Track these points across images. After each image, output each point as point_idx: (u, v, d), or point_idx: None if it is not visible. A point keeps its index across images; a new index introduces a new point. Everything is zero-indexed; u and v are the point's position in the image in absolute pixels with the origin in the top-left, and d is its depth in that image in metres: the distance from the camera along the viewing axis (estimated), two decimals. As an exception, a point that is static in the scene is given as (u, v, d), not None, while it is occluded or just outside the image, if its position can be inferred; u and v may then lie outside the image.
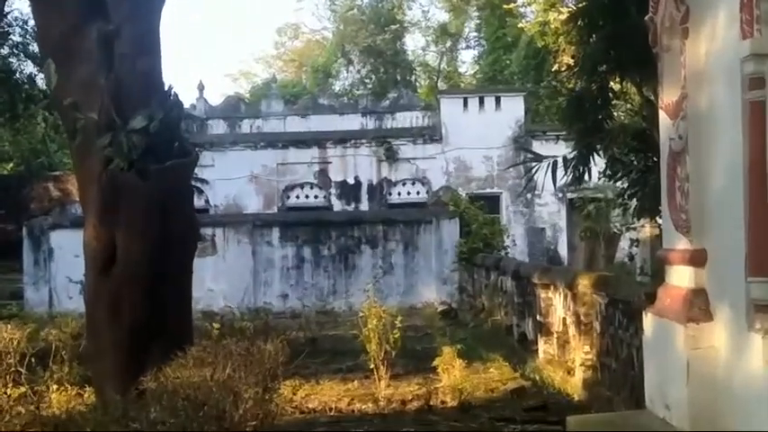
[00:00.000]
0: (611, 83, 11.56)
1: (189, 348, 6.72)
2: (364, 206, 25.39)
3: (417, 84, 42.88)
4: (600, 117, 11.26)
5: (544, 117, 29.17)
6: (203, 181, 24.42)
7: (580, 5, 11.78)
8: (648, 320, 5.58)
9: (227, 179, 24.79)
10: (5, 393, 7.72)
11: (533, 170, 12.48)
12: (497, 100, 25.49)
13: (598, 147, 11.46)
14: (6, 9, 23.47)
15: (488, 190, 24.98)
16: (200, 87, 28.04)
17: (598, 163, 11.87)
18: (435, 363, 9.80)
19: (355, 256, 19.90)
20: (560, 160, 11.79)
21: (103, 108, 7.94)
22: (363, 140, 25.81)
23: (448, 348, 10.01)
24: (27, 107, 23.95)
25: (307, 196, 25.92)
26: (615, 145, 11.37)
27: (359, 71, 42.63)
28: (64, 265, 18.70)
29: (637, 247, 18.98)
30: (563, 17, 15.86)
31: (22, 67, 25.53)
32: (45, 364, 9.03)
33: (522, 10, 32.24)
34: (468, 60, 56.40)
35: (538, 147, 21.28)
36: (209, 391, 5.80)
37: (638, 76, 10.77)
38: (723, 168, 4.69)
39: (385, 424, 8.38)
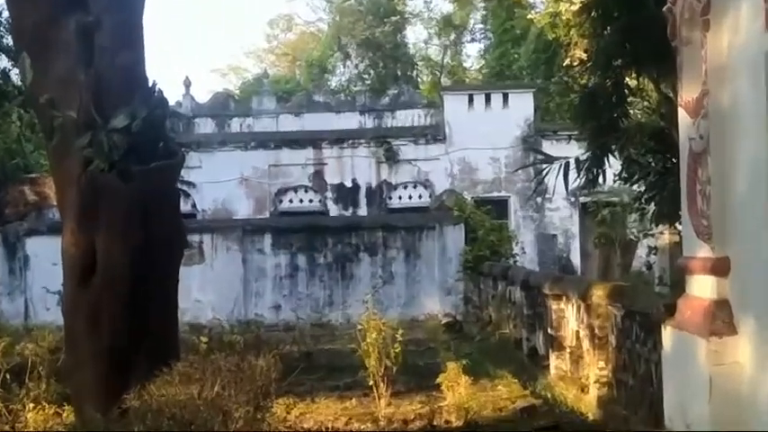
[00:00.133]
0: (627, 78, 11.56)
1: (175, 364, 6.72)
2: (362, 211, 25.38)
3: (419, 79, 42.91)
4: (615, 115, 11.27)
5: (555, 115, 29.17)
6: (190, 184, 24.41)
7: (594, -5, 11.78)
8: (668, 334, 5.58)
9: (216, 182, 24.78)
10: (-22, 412, 7.70)
11: (544, 172, 12.49)
12: (505, 97, 25.50)
13: (613, 147, 11.46)
14: (-21, 0, 23.48)
15: (495, 194, 24.97)
16: (187, 83, 28.05)
17: (613, 165, 11.86)
18: (439, 379, 9.78)
19: (353, 264, 19.87)
20: (572, 162, 11.79)
21: (82, 105, 7.95)
22: (361, 140, 25.81)
23: (452, 364, 9.99)
24: (1, 105, 23.95)
25: (301, 200, 25.92)
26: (631, 145, 11.37)
27: (356, 66, 42.66)
28: (40, 274, 18.67)
29: (655, 254, 18.98)
30: (575, 8, 15.87)
31: (-6, 61, 25.55)
32: (21, 381, 9.01)
33: (531, 0, 32.34)
34: (473, 54, 56.34)
35: (548, 147, 21.26)
36: (197, 410, 5.80)
37: (655, 72, 10.78)
38: (747, 170, 4.68)
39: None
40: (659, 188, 11.24)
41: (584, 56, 12.49)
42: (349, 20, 41.39)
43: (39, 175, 28.85)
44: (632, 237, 20.81)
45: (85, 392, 7.75)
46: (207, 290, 18.92)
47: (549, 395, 10.30)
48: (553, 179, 12.00)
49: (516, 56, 35.07)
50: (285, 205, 25.83)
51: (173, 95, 28.43)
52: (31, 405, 8.23)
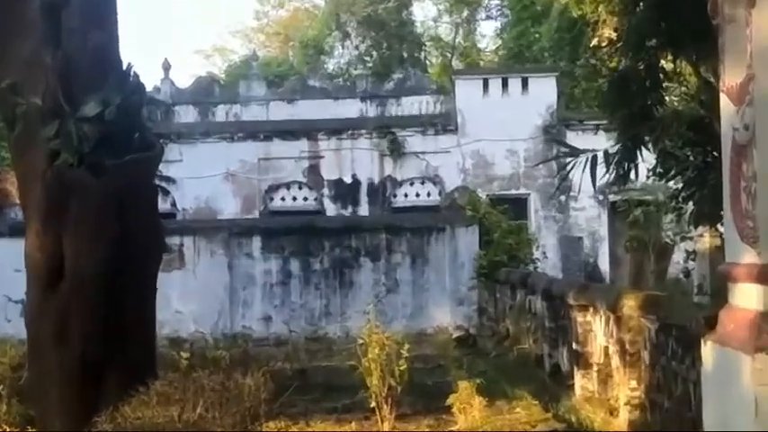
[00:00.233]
0: (662, 61, 11.56)
1: (152, 382, 6.74)
2: (363, 210, 25.40)
3: (427, 62, 42.90)
4: (648, 102, 11.28)
5: (581, 102, 29.17)
6: (169, 179, 24.44)
7: (625, -32, 11.81)
8: (708, 350, 5.57)
9: (198, 177, 24.81)
10: (-69, 436, 7.72)
11: (568, 167, 12.48)
12: (524, 82, 25.51)
13: (646, 138, 11.47)
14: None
15: (513, 191, 24.99)
16: (166, 66, 28.07)
17: (646, 158, 11.86)
18: (450, 401, 9.79)
19: (353, 270, 19.87)
20: (601, 155, 11.79)
21: (49, 91, 7.98)
22: (362, 131, 25.83)
23: (465, 383, 10.00)
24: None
25: (294, 198, 25.94)
26: (667, 136, 11.38)
27: (357, 47, 42.65)
28: (1, 282, 18.69)
29: (694, 260, 18.96)
30: (604, -18, 15.86)
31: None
32: (-22, 401, 9.02)
33: (554, -27, 32.31)
34: (488, 34, 56.60)
35: (573, 138, 21.25)
36: (177, 434, 5.81)
37: (694, 53, 10.79)
38: (798, 165, 4.68)
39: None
40: (698, 185, 11.24)
41: (613, 35, 12.48)
42: (348, -5, 41.40)
43: (-1, 169, 28.93)
44: (668, 240, 20.80)
45: (52, 414, 7.78)
46: (188, 299, 18.93)
47: (573, 419, 10.28)
48: (579, 175, 12.01)
49: (537, 35, 35.03)
50: (276, 204, 25.85)
51: (150, 80, 28.43)
52: (-9, 429, 8.23)
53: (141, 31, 64.68)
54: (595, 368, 10.34)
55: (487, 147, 25.10)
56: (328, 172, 25.77)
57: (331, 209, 25.52)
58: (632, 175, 11.94)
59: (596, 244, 25.05)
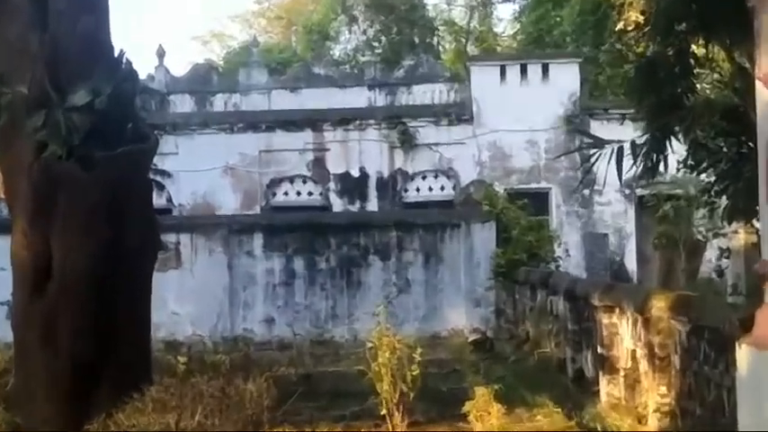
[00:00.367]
0: (693, 46, 11.54)
1: (147, 388, 6.75)
2: (372, 206, 25.40)
3: (440, 48, 42.89)
4: (678, 90, 11.27)
5: (605, 90, 29.11)
6: (164, 173, 24.49)
7: (652, -55, 11.78)
8: (744, 353, 5.56)
9: (196, 171, 24.84)
10: None
11: (592, 159, 12.47)
12: (544, 69, 25.47)
13: (676, 128, 11.46)
14: None
15: (533, 185, 24.96)
16: (161, 53, 28.14)
17: (676, 149, 11.85)
18: (466, 408, 9.79)
19: (361, 270, 19.88)
20: (627, 146, 11.77)
21: (35, 79, 8.00)
22: (371, 121, 25.83)
23: (482, 389, 9.99)
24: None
25: (298, 193, 25.96)
26: (698, 126, 11.36)
27: (364, 32, 42.66)
28: (-15, 282, 18.77)
29: (727, 258, 18.94)
30: (630, -40, 15.83)
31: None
32: (-39, 410, 9.05)
33: (576, -48, 32.27)
34: (506, 17, 56.34)
35: (598, 128, 21.22)
36: (174, 444, 5.82)
37: (727, 38, 10.76)
38: (841, 154, 4.66)
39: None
40: (733, 178, 11.22)
41: (640, 18, 12.44)
42: (356, -25, 41.45)
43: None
44: (700, 237, 20.78)
45: (39, 422, 7.81)
46: (185, 300, 18.97)
47: (598, 427, 10.27)
48: (604, 167, 12.00)
49: (558, 19, 35.00)
50: (279, 199, 25.87)
51: (143, 67, 28.50)
52: (-25, 438, 8.26)
53: (134, 16, 64.88)
54: (622, 373, 10.34)
55: (505, 138, 25.06)
56: (334, 165, 25.77)
57: (337, 204, 25.53)
58: (661, 168, 11.93)
59: (623, 241, 25.00)
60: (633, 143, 11.76)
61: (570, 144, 23.05)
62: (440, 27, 44.36)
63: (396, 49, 39.20)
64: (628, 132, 14.47)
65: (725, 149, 11.53)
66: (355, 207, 25.34)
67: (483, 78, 25.55)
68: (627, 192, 24.25)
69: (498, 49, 41.48)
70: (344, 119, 25.80)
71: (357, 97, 27.07)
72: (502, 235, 19.91)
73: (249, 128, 25.86)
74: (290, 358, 15.48)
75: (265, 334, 19.20)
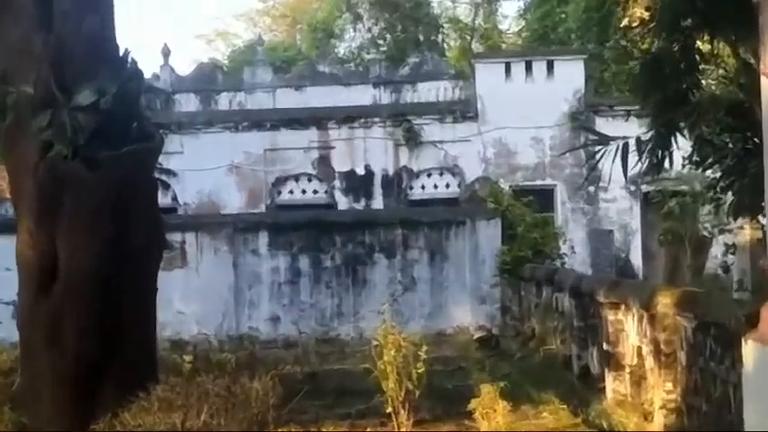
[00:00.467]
0: (698, 42, 11.52)
1: (153, 387, 6.76)
2: (378, 203, 25.41)
3: (445, 45, 42.88)
4: (684, 86, 11.26)
5: (610, 87, 29.10)
6: (170, 172, 24.53)
7: (657, -59, 11.76)
8: (750, 349, 5.55)
9: (201, 170, 24.87)
10: None
11: (597, 156, 12.46)
12: (549, 65, 25.45)
13: (681, 125, 11.44)
14: None
15: (539, 182, 24.96)
16: (166, 52, 28.15)
17: (681, 146, 11.83)
18: (471, 405, 9.79)
19: (366, 267, 19.89)
20: (632, 142, 11.76)
21: (40, 79, 8.00)
22: (376, 119, 25.83)
23: (487, 387, 9.99)
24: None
25: (303, 191, 25.98)
26: (704, 122, 11.35)
27: (369, 29, 42.66)
28: (-9, 282, 18.80)
29: (733, 254, 18.92)
30: (634, -44, 15.81)
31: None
32: (-32, 409, 9.07)
33: (581, -52, 32.23)
34: (511, 14, 56.33)
35: (603, 125, 21.20)
36: (179, 443, 5.83)
37: (732, 33, 10.75)
38: None
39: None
40: (738, 174, 11.20)
41: (645, 14, 12.43)
42: (360, -27, 41.44)
43: (-11, 162, 29.12)
44: (705, 233, 20.74)
45: (45, 422, 7.82)
46: (191, 299, 19.00)
47: (604, 424, 10.28)
48: (609, 164, 11.99)
49: (563, 16, 34.96)
50: (284, 197, 25.90)
51: (148, 67, 28.47)
52: (-18, 438, 8.28)
53: (139, 15, 64.95)
54: (628, 370, 10.33)
55: (510, 135, 25.05)
56: (339, 163, 25.78)
57: (342, 202, 25.54)
58: (666, 164, 11.93)
59: (628, 237, 24.99)
60: (638, 139, 11.75)
61: (575, 141, 23.01)
62: (444, 24, 44.34)
63: (400, 46, 39.19)
64: (633, 129, 14.46)
65: (730, 145, 11.51)
66: (360, 205, 25.36)
67: (488, 75, 25.54)
68: (632, 188, 24.24)
69: (503, 46, 41.48)
70: (349, 117, 25.80)
71: (362, 95, 27.07)
72: (507, 232, 19.91)
73: (254, 126, 25.89)
74: (295, 356, 15.48)
75: (271, 332, 19.21)
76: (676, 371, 8.84)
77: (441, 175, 25.81)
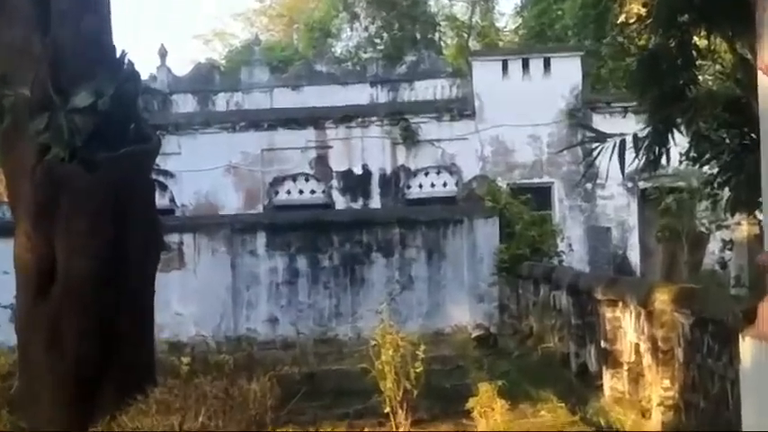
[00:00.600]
0: (695, 37, 11.54)
1: (151, 390, 6.76)
2: (375, 203, 25.42)
3: (442, 44, 42.87)
4: (681, 82, 11.27)
5: (607, 84, 29.10)
6: (167, 173, 24.51)
7: (653, -63, 11.77)
8: (747, 345, 5.56)
9: (198, 170, 24.87)
10: None
11: (595, 153, 12.47)
12: (546, 63, 25.45)
13: (678, 121, 11.46)
14: None
15: (536, 179, 24.96)
16: (163, 53, 28.13)
17: (679, 142, 11.85)
18: (470, 404, 9.79)
19: (364, 267, 19.90)
20: (629, 139, 11.77)
21: (38, 81, 8.00)
22: (373, 118, 25.83)
23: (486, 385, 10.00)
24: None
25: (301, 191, 25.98)
26: (701, 118, 11.36)
27: (366, 28, 42.64)
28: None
29: (731, 250, 18.93)
30: (630, -47, 15.82)
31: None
32: (-34, 413, 9.07)
33: (577, -55, 32.23)
34: (507, 12, 56.51)
35: (600, 122, 21.26)
36: (178, 445, 5.84)
37: (729, 29, 10.76)
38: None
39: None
40: (735, 170, 11.22)
41: (642, 11, 12.43)
42: (357, -28, 41.42)
43: (-14, 165, 29.09)
44: (703, 229, 20.77)
45: (44, 425, 7.82)
46: (189, 301, 19.00)
47: (602, 421, 10.28)
48: (606, 161, 12.01)
49: (560, 13, 34.97)
50: (282, 198, 25.89)
51: (145, 67, 28.51)
52: (-20, 441, 8.28)
53: (136, 16, 64.89)
54: (626, 367, 10.34)
55: (507, 133, 25.04)
56: (337, 162, 25.78)
57: (340, 202, 25.54)
58: (663, 161, 11.94)
59: (625, 234, 25.00)
60: (635, 136, 11.76)
61: (572, 138, 23.01)
62: (441, 23, 44.33)
63: (397, 45, 39.17)
64: (630, 125, 14.48)
65: (727, 141, 11.53)
66: (358, 204, 25.36)
67: (485, 73, 25.54)
68: (629, 185, 24.23)
69: (500, 43, 41.44)
70: (347, 116, 25.80)
71: (359, 94, 27.05)
72: (505, 230, 19.92)
73: (251, 126, 25.89)
74: (293, 357, 15.48)
75: (269, 333, 19.22)
76: (674, 368, 8.85)
77: (438, 173, 25.81)
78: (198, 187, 25.34)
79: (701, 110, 11.23)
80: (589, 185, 24.08)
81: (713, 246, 20.63)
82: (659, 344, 9.16)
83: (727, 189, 11.95)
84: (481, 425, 9.56)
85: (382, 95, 27.33)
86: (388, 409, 9.79)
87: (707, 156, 11.87)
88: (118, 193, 8.08)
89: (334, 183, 25.77)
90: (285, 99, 27.06)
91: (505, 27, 44.52)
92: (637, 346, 9.98)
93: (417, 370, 9.75)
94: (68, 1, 8.23)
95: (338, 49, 41.88)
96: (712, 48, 12.04)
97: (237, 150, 25.63)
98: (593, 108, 24.89)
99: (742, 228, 18.16)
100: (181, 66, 43.87)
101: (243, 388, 6.60)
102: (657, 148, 11.63)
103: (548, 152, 24.90)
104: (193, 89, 27.72)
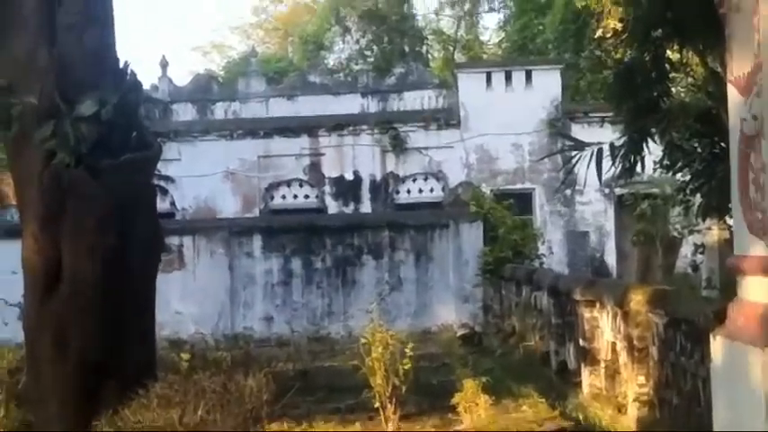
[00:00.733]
0: (669, 51, 11.55)
1: (152, 385, 6.74)
2: (366, 207, 25.39)
3: (429, 56, 42.87)
4: (655, 94, 11.27)
5: (586, 95, 29.12)
6: (168, 179, 24.45)
7: (629, -43, 11.79)
8: (718, 344, 5.56)
9: (198, 176, 24.82)
10: (-72, 442, 7.73)
11: (573, 161, 12.47)
12: (528, 75, 25.47)
13: (653, 130, 11.46)
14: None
15: (518, 186, 24.96)
16: (163, 64, 28.06)
17: (653, 151, 11.85)
18: (455, 400, 9.79)
19: (355, 269, 19.88)
20: (606, 148, 11.78)
21: (44, 90, 7.98)
22: (364, 126, 25.80)
23: (470, 382, 10.01)
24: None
25: (295, 196, 25.94)
26: (674, 128, 11.37)
27: (357, 41, 42.65)
28: (-3, 285, 18.71)
29: (702, 253, 18.94)
30: (608, -29, 15.85)
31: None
32: (-24, 407, 9.03)
33: (557, -37, 32.27)
34: (491, 26, 56.56)
35: (578, 131, 21.27)
36: (178, 438, 5.82)
37: (701, 43, 10.77)
38: (807, 156, 4.67)
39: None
40: (706, 177, 11.23)
41: (618, 26, 12.45)
42: (348, -12, 41.41)
43: (-5, 170, 28.95)
44: (676, 234, 20.77)
45: (50, 419, 7.79)
46: (188, 300, 18.96)
47: (581, 416, 10.29)
48: (584, 168, 11.99)
49: (541, 27, 34.99)
50: (277, 202, 25.85)
51: (147, 78, 28.40)
52: (-11, 434, 8.24)
53: (137, 28, 64.77)
54: (603, 365, 10.35)
55: (491, 141, 25.05)
56: (329, 169, 25.75)
57: (332, 206, 25.51)
58: (639, 168, 11.93)
59: (603, 238, 25.02)
60: (612, 145, 11.76)
61: (553, 146, 23.01)
62: (428, 36, 44.33)
63: (387, 57, 39.19)
64: (607, 135, 14.49)
65: (699, 150, 11.53)
66: (349, 209, 25.33)
67: (470, 85, 25.55)
68: (606, 191, 24.27)
69: (484, 56, 41.46)
70: (339, 125, 25.78)
71: (351, 104, 27.00)
72: (489, 234, 19.94)
73: (248, 134, 25.85)
74: (288, 354, 15.45)
75: (264, 331, 19.20)
76: (648, 365, 8.86)
77: (425, 179, 25.79)
78: (197, 192, 25.28)
79: (674, 120, 11.24)
80: (568, 192, 24.07)
81: (686, 249, 20.63)
82: (635, 342, 9.18)
83: (698, 195, 11.95)
84: (466, 420, 9.55)
85: (372, 105, 27.28)
86: (377, 404, 9.79)
87: (680, 164, 11.87)
88: (121, 198, 8.06)
89: (327, 188, 25.74)
90: (280, 108, 27.01)
91: (489, 41, 44.59)
92: (613, 344, 9.99)
93: (405, 367, 9.74)
94: (74, 15, 8.21)
95: (331, 60, 41.88)
96: (685, 61, 12.04)
97: (235, 157, 25.58)
98: (572, 118, 24.90)
99: (713, 232, 18.18)
100: (181, 76, 43.91)
101: (240, 383, 6.59)
102: (633, 157, 11.63)
103: (529, 160, 24.90)
104: (193, 98, 27.64)
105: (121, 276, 7.87)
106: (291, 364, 14.45)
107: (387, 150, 25.61)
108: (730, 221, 8.77)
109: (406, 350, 9.86)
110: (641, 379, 9.01)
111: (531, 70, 25.69)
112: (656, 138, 11.62)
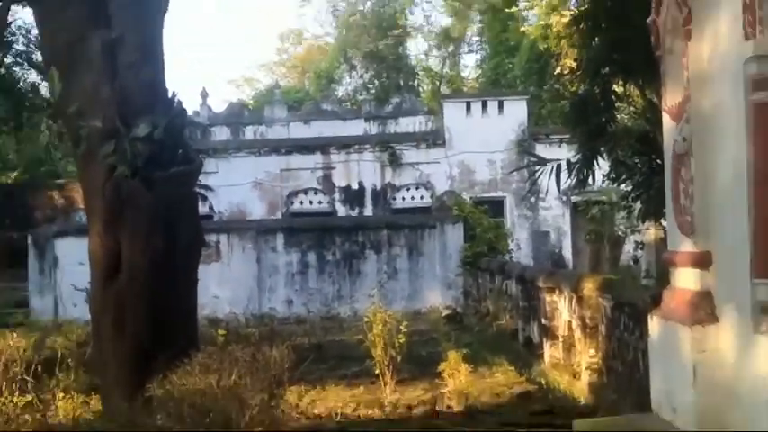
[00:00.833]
0: (615, 86, 11.58)
1: (194, 355, 6.73)
2: (368, 211, 25.39)
3: (420, 88, 42.90)
4: (603, 120, 11.28)
5: (547, 120, 29.16)
6: (207, 188, 24.35)
7: (582, 9, 11.80)
8: (654, 323, 5.57)
9: (232, 186, 24.81)
10: (12, 402, 7.73)
11: (537, 174, 12.49)
12: (500, 104, 25.48)
13: (602, 150, 11.47)
14: (10, 18, 23.53)
15: (492, 194, 24.97)
16: (204, 94, 28.08)
17: (602, 166, 11.87)
18: (441, 368, 9.79)
19: (360, 261, 19.89)
20: (564, 164, 11.80)
21: (107, 116, 7.96)
22: (367, 146, 25.81)
23: (453, 353, 10.00)
24: (31, 116, 24.01)
25: (311, 202, 25.94)
26: (619, 148, 11.38)
27: (361, 76, 42.68)
28: (69, 273, 18.66)
29: (642, 249, 18.96)
30: (565, 20, 15.85)
31: (25, 75, 25.69)
32: (51, 372, 9.02)
33: (523, 14, 32.32)
34: (470, 64, 56.56)
35: (542, 150, 21.25)
36: (215, 398, 5.82)
37: (641, 79, 10.79)
38: (727, 170, 4.68)
39: (392, 428, 8.37)
40: (645, 187, 11.24)
41: (574, 65, 12.51)
42: (354, 33, 41.42)
43: (66, 181, 28.96)
44: (620, 233, 20.80)
45: (112, 383, 7.77)
46: (224, 286, 18.95)
47: (543, 381, 10.30)
48: (546, 180, 12.03)
49: (510, 65, 35.04)
50: (296, 207, 25.85)
51: (191, 106, 28.45)
52: (61, 395, 8.24)
53: (184, 65, 64.68)
54: (561, 339, 10.36)
55: (470, 158, 25.07)
56: (339, 180, 25.76)
57: (341, 210, 25.52)
58: (590, 180, 11.95)
59: (561, 237, 25.03)
60: (569, 161, 11.78)
61: (520, 162, 23.00)
62: (419, 72, 44.37)
63: (386, 90, 39.23)
64: (564, 153, 14.51)
65: (639, 166, 11.54)
66: (355, 212, 25.33)
67: (453, 112, 25.56)
68: (564, 199, 24.28)
69: (464, 89, 41.50)
70: (346, 144, 25.80)
71: (356, 127, 27.04)
72: (468, 233, 19.96)
73: (273, 152, 25.85)
74: (304, 330, 15.46)
75: (286, 311, 19.20)
76: (598, 340, 8.87)
77: (417, 189, 25.80)
78: (231, 198, 25.27)
79: (619, 141, 11.25)
80: (533, 199, 24.11)
81: (628, 246, 20.65)
82: (587, 321, 9.18)
83: (639, 202, 11.96)
84: (450, 384, 9.55)
85: (374, 128, 27.30)
86: (378, 371, 9.78)
87: (624, 177, 11.88)
88: (169, 204, 8.04)
89: (337, 196, 25.74)
90: (299, 131, 27.03)
91: (469, 76, 44.63)
92: (569, 323, 10.00)
93: (401, 341, 9.74)
94: (132, 55, 8.21)
95: (340, 92, 41.92)
96: (628, 94, 12.06)
97: (262, 170, 25.59)
98: (536, 139, 24.91)
99: (650, 232, 18.20)
100: (218, 104, 43.74)
101: (265, 354, 6.59)
102: (585, 171, 11.64)
103: (501, 173, 24.91)
104: (227, 122, 27.65)
105: (169, 267, 7.85)
106: (307, 338, 14.45)
107: (385, 165, 25.63)
108: (665, 223, 8.81)
109: (401, 327, 9.86)
110: (592, 351, 9.02)
111: (502, 100, 25.70)
112: (604, 155, 11.63)
